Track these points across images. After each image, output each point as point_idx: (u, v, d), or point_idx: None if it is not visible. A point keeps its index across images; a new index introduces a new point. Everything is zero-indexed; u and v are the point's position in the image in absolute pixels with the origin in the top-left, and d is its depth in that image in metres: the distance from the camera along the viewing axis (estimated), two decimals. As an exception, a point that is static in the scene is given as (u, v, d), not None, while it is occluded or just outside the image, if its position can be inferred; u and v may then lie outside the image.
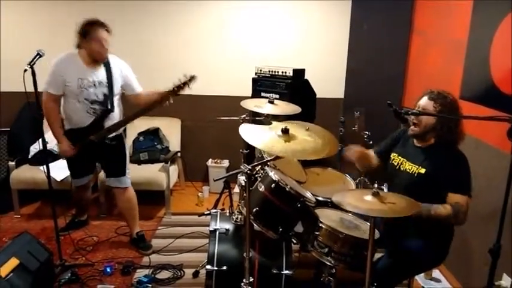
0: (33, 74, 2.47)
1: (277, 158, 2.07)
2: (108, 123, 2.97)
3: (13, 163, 3.78)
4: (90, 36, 2.80)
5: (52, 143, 3.31)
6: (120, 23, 4.17)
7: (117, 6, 4.18)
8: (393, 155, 2.33)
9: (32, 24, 4.20)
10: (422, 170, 2.11)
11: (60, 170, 3.49)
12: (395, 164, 2.28)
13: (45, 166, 2.68)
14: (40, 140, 2.68)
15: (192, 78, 2.86)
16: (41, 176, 3.23)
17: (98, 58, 2.87)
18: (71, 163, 3.19)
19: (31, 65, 2.45)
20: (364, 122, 3.05)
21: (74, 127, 2.97)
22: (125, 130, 3.33)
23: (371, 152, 2.53)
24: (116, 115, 3.01)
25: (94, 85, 2.88)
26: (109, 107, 2.94)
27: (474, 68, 2.73)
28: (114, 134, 3.05)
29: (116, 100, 3.02)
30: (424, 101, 2.13)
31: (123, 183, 3.16)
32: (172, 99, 2.91)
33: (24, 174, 3.72)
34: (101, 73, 2.92)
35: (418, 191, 2.01)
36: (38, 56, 2.51)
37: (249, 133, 1.96)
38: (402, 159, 2.25)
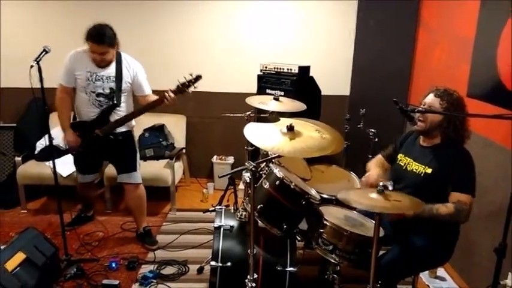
0: (40, 70, 2.49)
1: (283, 155, 2.07)
2: (114, 118, 2.99)
3: (19, 159, 3.80)
4: (87, 46, 2.83)
5: (58, 139, 3.33)
6: (126, 22, 4.19)
7: (123, 6, 4.18)
8: (400, 156, 2.32)
9: (39, 21, 4.22)
10: (429, 170, 2.10)
11: (66, 165, 3.51)
12: (402, 164, 2.27)
13: (51, 162, 2.71)
14: (46, 135, 2.70)
15: (198, 77, 2.86)
16: (47, 171, 3.25)
17: (96, 65, 2.91)
18: (77, 158, 3.21)
19: (37, 61, 2.47)
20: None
21: (82, 119, 3.02)
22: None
23: (382, 162, 2.51)
24: (123, 111, 3.02)
25: (101, 79, 2.92)
26: (115, 101, 2.96)
27: (481, 66, 2.71)
28: (121, 130, 3.07)
29: (124, 96, 3.02)
30: (430, 98, 2.12)
31: (134, 179, 3.17)
32: (177, 98, 2.91)
33: (31, 169, 3.74)
34: (110, 68, 2.95)
35: (425, 191, 2.00)
36: (44, 52, 2.53)
37: (254, 133, 1.95)
38: (409, 159, 2.24)
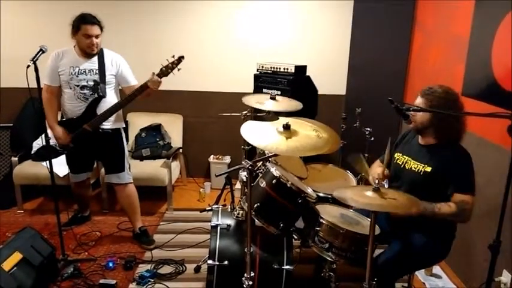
0: (36, 69, 2.49)
1: (278, 154, 2.08)
2: (101, 111, 2.99)
3: (16, 159, 3.79)
4: (79, 31, 2.87)
5: (55, 139, 3.33)
6: (122, 22, 4.21)
7: (120, 6, 4.19)
8: (397, 155, 2.32)
9: (35, 21, 4.22)
10: (428, 169, 2.10)
11: (62, 165, 3.50)
12: (400, 163, 2.27)
13: (47, 162, 2.71)
14: (43, 135, 2.69)
15: (181, 58, 2.89)
16: (44, 171, 3.26)
17: (87, 51, 2.94)
18: (69, 158, 3.22)
19: (34, 60, 2.48)
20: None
21: (69, 117, 3.03)
22: (126, 126, 3.34)
23: (381, 167, 2.52)
24: (109, 103, 3.01)
25: (84, 72, 2.96)
26: (100, 93, 2.97)
27: (476, 65, 2.73)
28: (110, 126, 3.07)
29: (109, 89, 3.04)
30: (418, 100, 2.14)
31: (122, 179, 3.18)
32: (161, 80, 2.92)
33: (27, 169, 3.74)
34: (93, 62, 2.99)
35: (423, 189, 2.01)
36: (40, 52, 2.54)
37: (250, 132, 1.96)
38: (407, 157, 2.25)
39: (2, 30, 4.19)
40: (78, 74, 2.95)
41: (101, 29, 2.93)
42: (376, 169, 2.41)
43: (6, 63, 4.19)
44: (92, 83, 2.97)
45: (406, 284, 2.56)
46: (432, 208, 1.99)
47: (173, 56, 2.88)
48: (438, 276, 2.93)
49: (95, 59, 2.99)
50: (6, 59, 4.18)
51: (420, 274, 2.92)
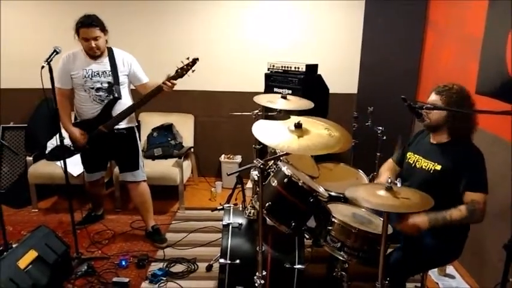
0: (50, 70, 2.52)
1: (289, 153, 2.08)
2: (116, 112, 3.02)
3: (31, 158, 3.85)
4: (78, 36, 2.90)
5: (69, 139, 3.37)
6: (133, 22, 4.25)
7: (130, 6, 4.22)
8: (409, 154, 2.31)
9: (49, 22, 4.27)
10: (438, 167, 2.09)
11: (76, 165, 3.54)
12: (411, 162, 2.26)
13: (62, 161, 2.74)
14: (57, 135, 2.73)
15: (195, 60, 2.90)
16: (58, 171, 3.30)
17: (90, 54, 2.96)
18: (84, 158, 3.26)
19: (48, 61, 2.50)
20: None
21: (84, 119, 3.06)
22: (138, 126, 3.36)
23: (392, 166, 2.51)
24: (124, 105, 3.04)
25: (98, 74, 2.97)
26: (116, 95, 2.99)
27: (490, 63, 2.69)
28: (124, 125, 3.10)
29: (123, 90, 3.06)
30: (432, 97, 2.12)
31: (137, 177, 3.21)
32: (176, 82, 2.93)
33: (42, 169, 3.79)
34: (105, 63, 3.00)
35: (433, 187, 1.99)
36: (54, 53, 2.57)
37: (262, 131, 1.96)
38: (418, 156, 2.23)
39: (16, 32, 4.26)
40: (92, 76, 2.96)
41: (103, 30, 2.91)
42: (383, 176, 2.43)
43: (19, 64, 4.24)
44: (106, 85, 2.99)
45: (419, 284, 2.54)
46: (443, 217, 1.97)
47: (188, 58, 2.90)
48: (452, 276, 2.90)
49: (106, 60, 3.00)
50: (19, 60, 4.25)
51: (433, 274, 2.89)
